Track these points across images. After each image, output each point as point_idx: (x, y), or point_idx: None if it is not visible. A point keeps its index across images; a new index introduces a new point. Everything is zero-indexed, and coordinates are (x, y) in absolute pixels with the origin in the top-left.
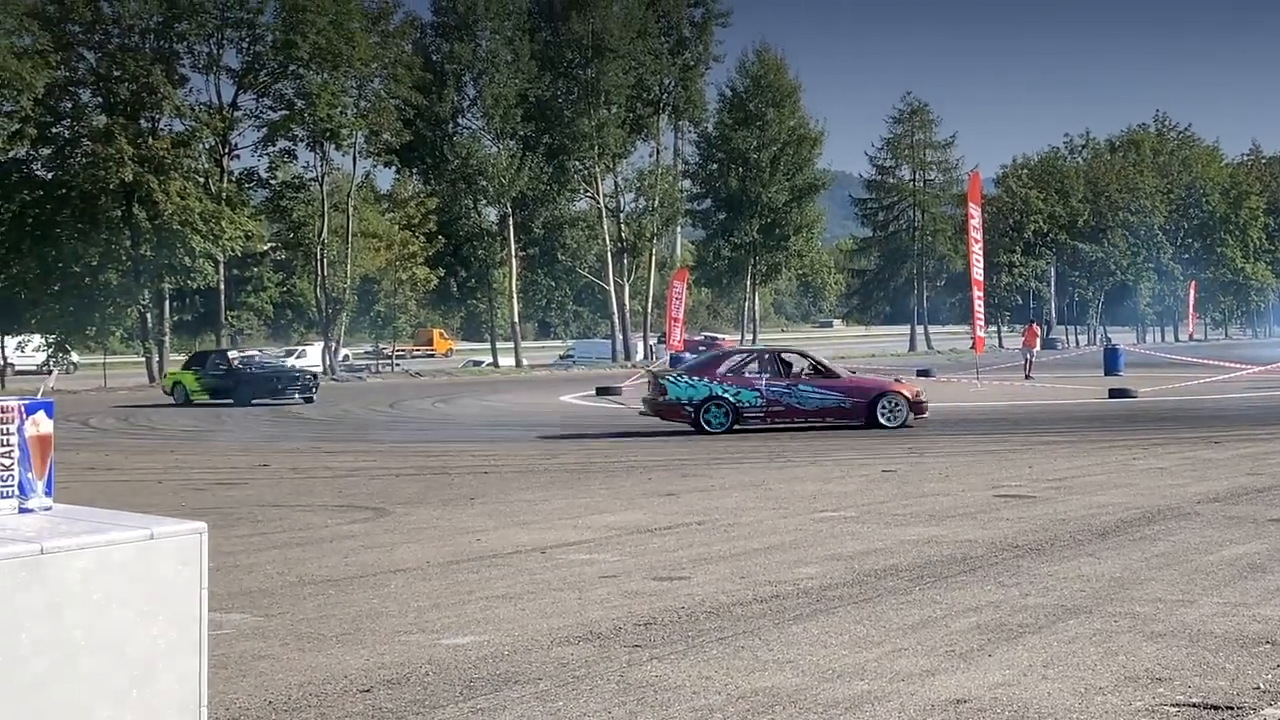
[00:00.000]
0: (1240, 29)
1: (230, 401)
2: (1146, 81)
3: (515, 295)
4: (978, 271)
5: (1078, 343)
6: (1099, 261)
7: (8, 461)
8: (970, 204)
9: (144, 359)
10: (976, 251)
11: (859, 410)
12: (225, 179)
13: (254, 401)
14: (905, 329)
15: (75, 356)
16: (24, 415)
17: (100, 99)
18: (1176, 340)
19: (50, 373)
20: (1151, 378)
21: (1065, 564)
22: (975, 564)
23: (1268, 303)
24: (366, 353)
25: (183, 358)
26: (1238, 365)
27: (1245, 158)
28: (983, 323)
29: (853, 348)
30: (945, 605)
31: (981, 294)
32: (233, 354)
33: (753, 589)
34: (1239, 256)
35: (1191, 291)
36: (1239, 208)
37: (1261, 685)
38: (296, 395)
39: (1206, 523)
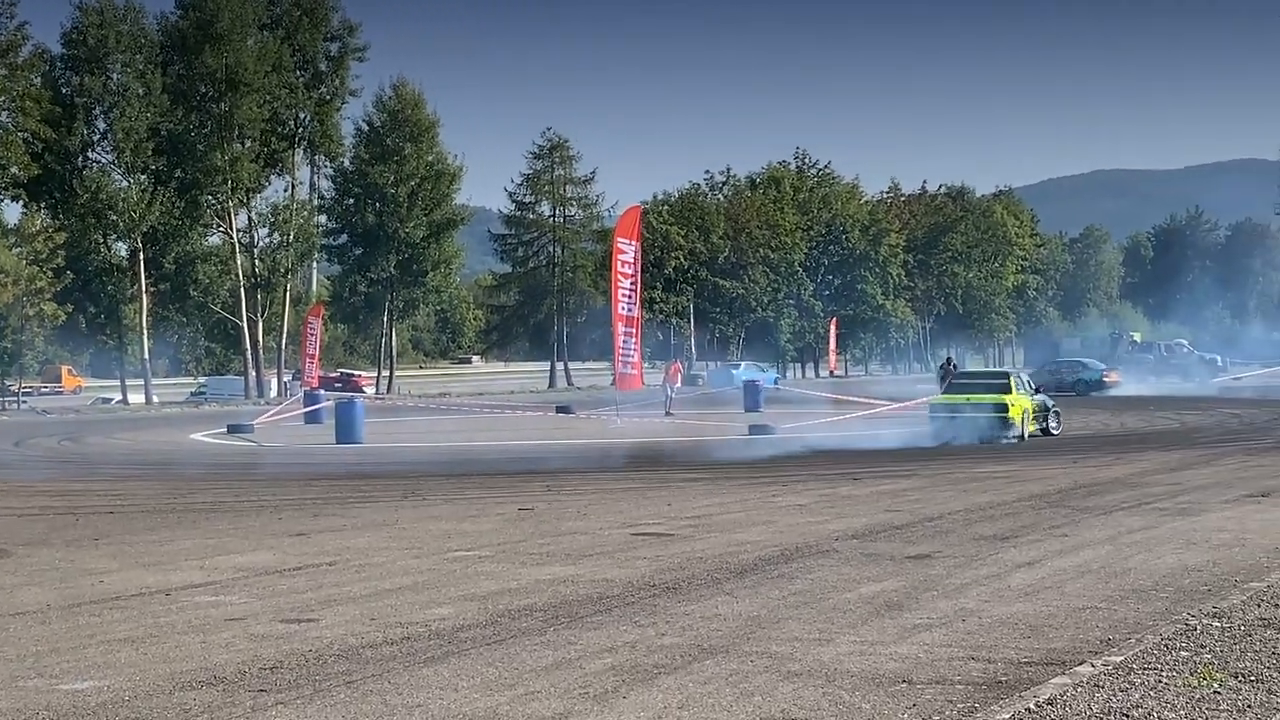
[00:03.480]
0: (879, 68)
1: None
2: (787, 120)
3: (146, 331)
4: (625, 307)
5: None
6: (740, 298)
7: None
8: (621, 239)
9: None
10: (626, 287)
11: None
12: None
13: None
14: (545, 365)
15: None
16: None
17: None
18: (818, 376)
19: None
20: (792, 414)
21: (702, 603)
22: (611, 603)
23: (907, 339)
24: None
25: None
26: (878, 401)
27: (885, 195)
28: (635, 359)
29: (493, 384)
30: (580, 646)
31: (634, 330)
32: None
33: (383, 631)
34: (879, 293)
35: (832, 328)
36: (878, 245)
37: None
38: None
39: (845, 560)
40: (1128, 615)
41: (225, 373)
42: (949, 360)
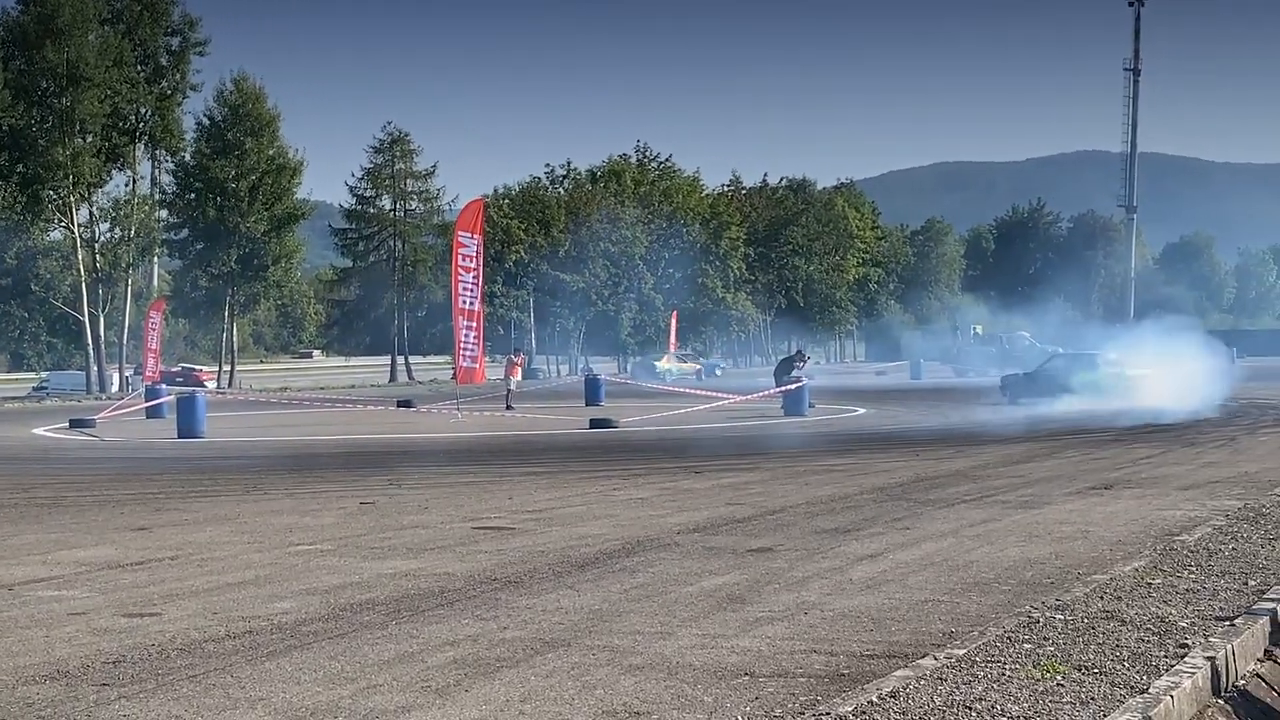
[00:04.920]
0: (721, 61)
1: None
2: (628, 113)
3: None
4: (466, 301)
5: (559, 372)
6: (580, 291)
7: None
8: (463, 233)
9: None
10: (468, 281)
11: None
12: None
13: None
14: (386, 359)
15: None
16: None
17: None
18: None
19: None
20: (633, 407)
21: (544, 596)
22: (453, 597)
23: (749, 332)
24: None
25: None
26: (719, 395)
27: (725, 188)
28: (475, 353)
29: (334, 378)
30: (422, 640)
31: (475, 324)
32: None
33: (226, 625)
34: (719, 286)
35: (673, 321)
36: (719, 238)
37: (740, 718)
38: None
39: (686, 554)
40: (970, 608)
41: (67, 368)
42: (799, 352)
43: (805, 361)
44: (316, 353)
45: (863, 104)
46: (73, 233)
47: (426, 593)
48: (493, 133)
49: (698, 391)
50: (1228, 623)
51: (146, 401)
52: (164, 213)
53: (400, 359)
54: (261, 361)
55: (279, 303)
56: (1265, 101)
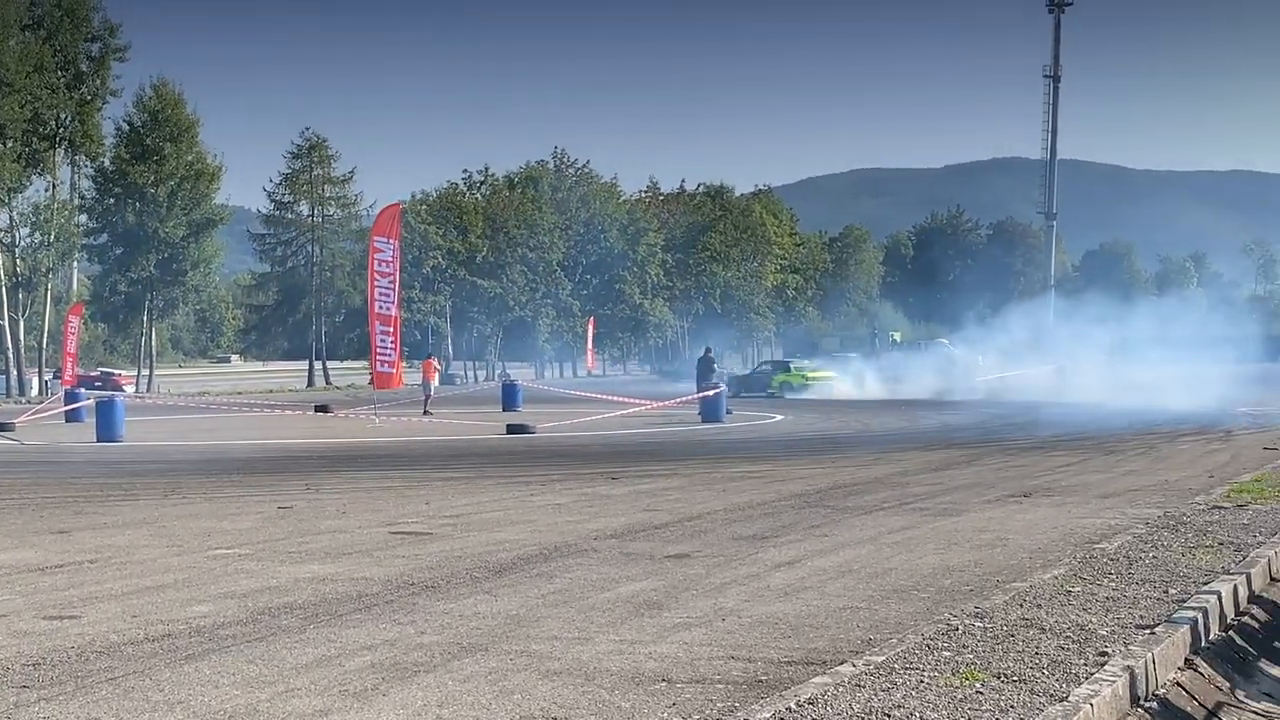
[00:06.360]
0: (637, 66)
1: None
2: (545, 118)
3: None
4: (383, 306)
5: (476, 378)
6: (498, 297)
7: None
8: (379, 238)
9: None
10: (384, 286)
11: None
12: None
13: None
14: (304, 364)
15: None
16: None
17: None
18: (575, 375)
19: None
20: (550, 413)
21: (462, 601)
22: (371, 602)
23: (666, 338)
24: None
25: None
26: (635, 401)
27: (643, 194)
28: (392, 359)
29: (252, 383)
30: (340, 644)
31: (391, 329)
32: None
33: (145, 628)
34: (637, 293)
35: (590, 327)
36: (637, 244)
37: None
38: None
39: (604, 559)
40: (889, 615)
41: None
42: (708, 350)
43: (712, 359)
44: (234, 357)
45: (780, 110)
46: None
47: (344, 597)
48: (410, 138)
49: (614, 397)
50: (1148, 631)
51: (65, 405)
52: (83, 217)
53: (318, 364)
54: (180, 366)
55: (197, 307)
56: (1186, 108)
